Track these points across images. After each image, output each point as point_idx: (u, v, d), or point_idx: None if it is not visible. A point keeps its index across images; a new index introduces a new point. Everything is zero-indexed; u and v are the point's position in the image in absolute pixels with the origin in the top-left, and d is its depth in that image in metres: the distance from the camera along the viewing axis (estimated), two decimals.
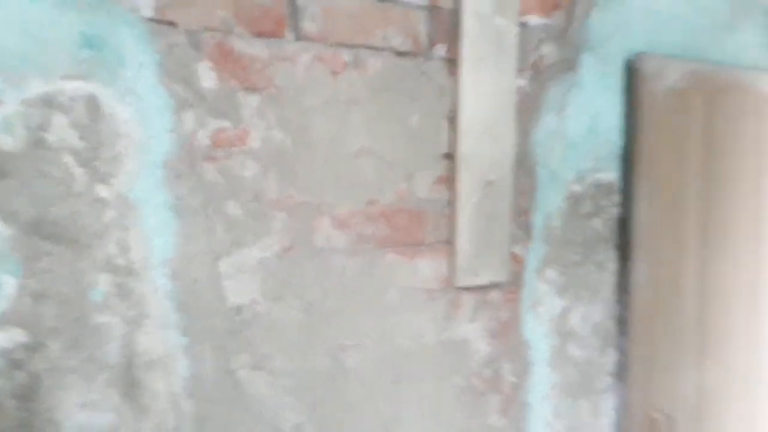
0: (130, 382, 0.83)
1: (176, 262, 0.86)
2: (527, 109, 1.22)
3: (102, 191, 0.79)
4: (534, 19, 1.22)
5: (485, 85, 1.13)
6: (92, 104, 0.78)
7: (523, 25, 1.19)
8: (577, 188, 1.31)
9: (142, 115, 0.82)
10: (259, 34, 0.91)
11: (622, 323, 1.41)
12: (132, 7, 0.80)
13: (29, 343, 0.76)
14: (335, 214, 1.00)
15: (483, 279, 1.17)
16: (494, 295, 1.20)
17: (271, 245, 0.94)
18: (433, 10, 1.07)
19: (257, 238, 0.93)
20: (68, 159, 0.76)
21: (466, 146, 1.12)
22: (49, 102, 0.76)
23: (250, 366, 0.93)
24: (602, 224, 1.36)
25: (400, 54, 1.04)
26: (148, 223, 0.83)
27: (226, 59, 0.87)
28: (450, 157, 1.12)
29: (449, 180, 1.12)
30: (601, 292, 1.37)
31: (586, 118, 1.31)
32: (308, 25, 0.95)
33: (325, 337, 1.01)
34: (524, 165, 1.23)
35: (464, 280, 1.14)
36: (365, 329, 1.06)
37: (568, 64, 1.28)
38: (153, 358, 0.84)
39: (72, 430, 0.79)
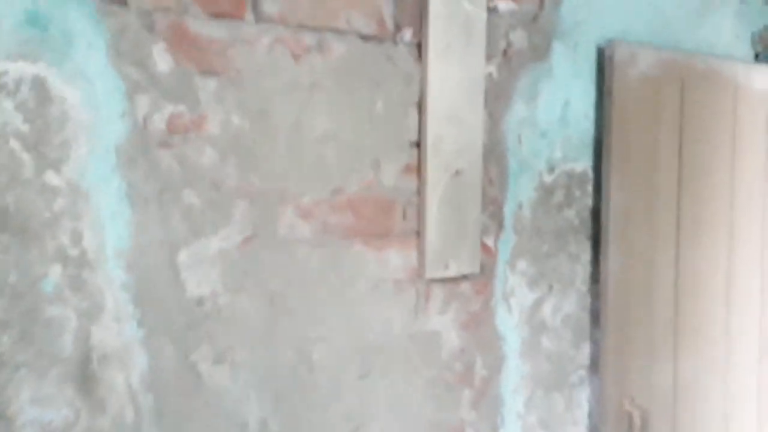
0: (85, 377, 0.84)
1: (131, 252, 0.87)
2: (497, 96, 1.25)
3: (51, 178, 0.79)
4: (504, 5, 1.25)
5: (453, 72, 1.16)
6: (39, 86, 0.78)
7: (493, 11, 1.22)
8: (548, 178, 1.35)
9: (93, 98, 0.82)
10: (217, 15, 0.92)
11: (596, 315, 1.45)
12: None
13: None
14: (299, 202, 1.02)
15: (453, 270, 1.20)
16: (465, 286, 1.23)
17: (231, 235, 0.95)
18: None
19: (217, 228, 0.94)
20: (14, 144, 0.77)
21: (433, 134, 1.15)
22: None
23: (212, 359, 0.94)
24: (575, 214, 1.40)
25: (365, 38, 1.06)
26: (101, 212, 0.84)
27: (181, 41, 0.88)
28: (418, 145, 1.15)
29: (418, 168, 1.15)
30: (574, 283, 1.41)
31: (558, 106, 1.35)
32: (269, 6, 0.96)
33: (289, 329, 1.03)
34: (494, 154, 1.26)
35: (434, 272, 1.17)
36: (331, 322, 1.08)
37: (538, 52, 1.31)
38: (109, 352, 0.85)
39: (25, 427, 0.80)
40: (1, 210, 0.77)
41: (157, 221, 0.89)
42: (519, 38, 1.29)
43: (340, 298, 1.08)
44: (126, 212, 0.86)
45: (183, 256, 0.91)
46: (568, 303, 1.41)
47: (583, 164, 1.42)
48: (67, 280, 0.82)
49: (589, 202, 1.43)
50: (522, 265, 1.33)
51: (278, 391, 1.02)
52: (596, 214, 1.44)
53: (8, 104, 0.76)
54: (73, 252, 0.82)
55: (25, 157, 0.78)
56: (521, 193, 1.31)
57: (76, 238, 0.82)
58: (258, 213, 0.98)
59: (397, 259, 1.14)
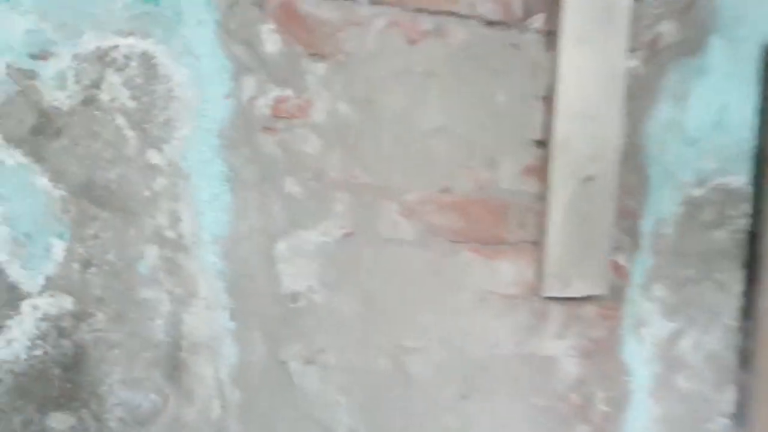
0: (174, 364, 0.81)
1: (228, 239, 0.82)
2: (639, 94, 1.06)
3: (153, 157, 0.77)
4: None
5: (589, 64, 0.99)
6: (147, 63, 0.76)
7: None
8: (696, 192, 1.13)
9: (198, 77, 0.79)
10: None
11: (745, 356, 1.19)
12: None
13: (76, 311, 0.75)
14: (403, 199, 0.92)
15: (576, 290, 1.02)
16: (589, 309, 1.06)
17: (331, 229, 0.88)
18: None
19: (317, 220, 0.87)
20: (120, 120, 0.76)
21: (562, 133, 0.98)
22: (102, 58, 0.74)
23: (303, 359, 0.87)
24: (726, 237, 1.16)
25: (489, 23, 0.94)
26: (200, 195, 0.80)
27: (291, 21, 0.82)
28: (542, 144, 1.00)
29: (540, 170, 1.00)
30: (720, 316, 1.17)
31: (712, 110, 1.13)
32: None
33: (386, 335, 0.93)
34: (632, 160, 1.07)
35: (553, 290, 1.01)
36: (432, 332, 0.96)
37: (691, 46, 1.10)
38: (199, 341, 0.81)
39: (115, 408, 0.76)
40: (104, 186, 0.77)
41: (257, 209, 0.83)
42: (669, 30, 1.08)
43: (443, 307, 0.96)
44: (225, 197, 0.81)
45: (281, 248, 0.85)
46: (712, 338, 1.17)
47: (740, 179, 1.16)
48: (163, 262, 0.79)
49: (744, 223, 1.17)
50: (659, 290, 1.12)
51: (371, 401, 0.93)
52: (753, 238, 1.18)
53: (117, 79, 0.76)
54: (170, 234, 0.79)
55: (130, 134, 0.77)
56: (663, 207, 1.10)
57: (174, 220, 0.79)
58: (359, 208, 0.89)
59: (510, 271, 1.00)
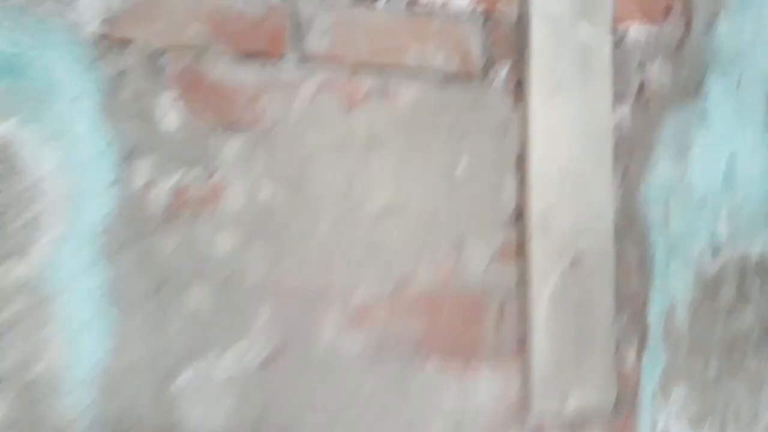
0: None
1: (109, 375, 0.79)
2: (631, 151, 1.14)
3: (7, 273, 0.74)
4: (636, 29, 1.15)
5: (566, 120, 1.07)
6: (5, 151, 0.75)
7: (621, 38, 1.14)
8: (711, 266, 1.20)
9: (75, 164, 0.78)
10: (248, 55, 0.89)
11: None
12: (70, 22, 0.78)
13: None
14: (347, 302, 0.93)
15: (574, 403, 1.05)
16: (593, 427, 1.07)
17: (251, 349, 0.87)
18: (489, 19, 1.02)
19: (231, 340, 0.86)
20: None
21: (540, 204, 1.03)
22: None
23: None
24: (754, 320, 1.23)
25: (445, 77, 1.00)
26: (72, 319, 0.78)
27: (197, 88, 0.85)
28: (520, 219, 1.04)
29: (519, 252, 1.04)
30: (758, 419, 1.23)
31: (719, 163, 1.22)
32: (316, 42, 0.92)
33: None
34: (630, 231, 1.13)
35: (545, 404, 1.03)
36: None
37: (687, 90, 1.20)
38: None
39: None
40: None
41: (150, 331, 0.82)
42: (659, 72, 1.17)
43: None
44: (106, 320, 0.79)
45: (182, 381, 0.83)
46: None
47: (762, 245, 1.25)
48: (16, 415, 0.74)
49: None
50: (679, 394, 1.16)
51: None
52: None
53: None
54: (27, 376, 0.75)
55: None
56: (673, 288, 1.16)
57: (34, 356, 0.76)
58: (289, 318, 0.89)
59: (489, 386, 1.01)
